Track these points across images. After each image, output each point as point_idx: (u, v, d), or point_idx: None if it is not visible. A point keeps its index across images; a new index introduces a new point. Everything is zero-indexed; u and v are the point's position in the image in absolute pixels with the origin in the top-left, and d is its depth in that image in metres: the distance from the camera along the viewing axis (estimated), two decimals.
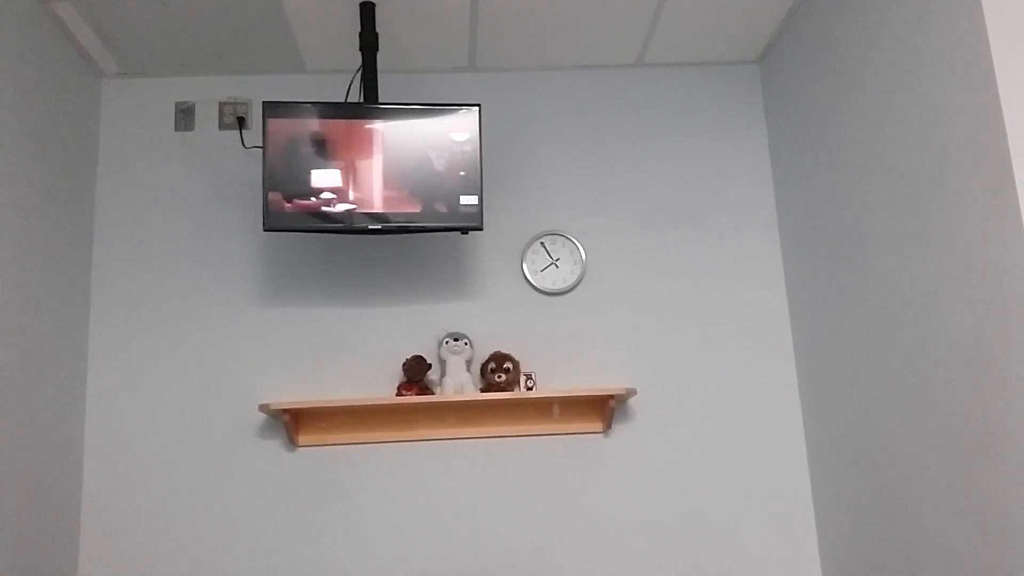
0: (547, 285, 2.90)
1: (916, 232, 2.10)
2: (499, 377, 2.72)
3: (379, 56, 2.89)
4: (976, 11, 1.82)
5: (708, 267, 2.94)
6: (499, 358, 2.75)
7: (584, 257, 2.92)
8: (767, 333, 2.91)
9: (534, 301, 2.90)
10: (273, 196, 2.51)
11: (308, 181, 2.52)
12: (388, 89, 2.99)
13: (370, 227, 2.52)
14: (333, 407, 2.67)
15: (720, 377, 2.87)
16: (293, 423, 2.72)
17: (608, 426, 2.80)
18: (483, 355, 2.81)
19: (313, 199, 2.51)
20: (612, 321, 2.89)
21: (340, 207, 2.52)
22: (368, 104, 2.59)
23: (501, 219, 2.95)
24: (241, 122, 2.95)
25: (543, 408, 2.81)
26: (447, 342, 2.76)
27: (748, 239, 2.97)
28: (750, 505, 2.79)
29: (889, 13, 2.18)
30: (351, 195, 2.52)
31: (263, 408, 2.63)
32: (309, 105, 2.54)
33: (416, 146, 2.56)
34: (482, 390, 2.76)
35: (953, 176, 1.93)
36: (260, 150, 2.85)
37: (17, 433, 2.35)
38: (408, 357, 2.76)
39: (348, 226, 2.52)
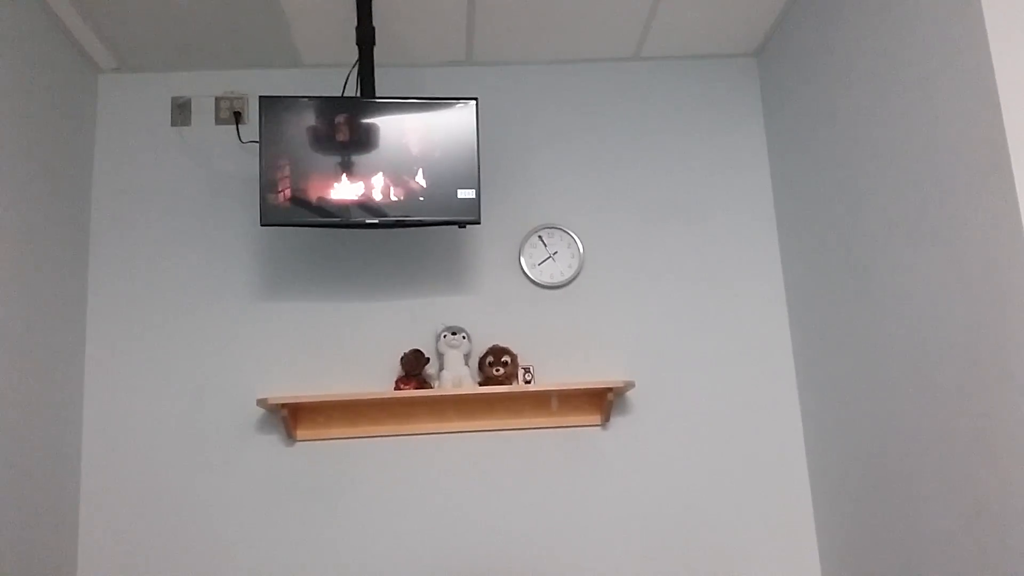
0: (545, 278, 2.90)
1: (914, 226, 2.10)
2: (497, 371, 2.72)
3: (376, 50, 2.88)
4: (975, 5, 1.82)
5: (706, 260, 2.94)
6: (497, 352, 2.75)
7: (582, 250, 2.92)
8: (765, 326, 2.91)
9: (532, 294, 2.90)
10: (270, 191, 2.50)
11: (305, 175, 2.51)
12: (385, 83, 2.99)
13: (367, 221, 2.52)
14: (331, 401, 2.67)
15: (718, 370, 2.87)
16: (291, 417, 2.72)
17: (606, 419, 2.80)
18: (481, 349, 2.81)
19: (310, 194, 2.51)
20: (610, 314, 2.89)
21: (337, 201, 2.51)
22: (365, 98, 2.58)
23: (498, 213, 2.95)
24: (238, 117, 2.94)
25: (541, 401, 2.82)
26: (445, 336, 2.76)
27: (745, 232, 2.97)
28: (748, 498, 2.80)
29: (887, 6, 2.18)
30: (348, 189, 2.52)
31: (261, 403, 2.63)
32: (306, 99, 2.54)
33: (413, 140, 2.56)
34: (480, 384, 2.76)
35: (951, 170, 1.93)
36: (257, 145, 2.85)
37: (14, 430, 2.35)
38: (406, 351, 2.76)
39: (345, 220, 2.52)
